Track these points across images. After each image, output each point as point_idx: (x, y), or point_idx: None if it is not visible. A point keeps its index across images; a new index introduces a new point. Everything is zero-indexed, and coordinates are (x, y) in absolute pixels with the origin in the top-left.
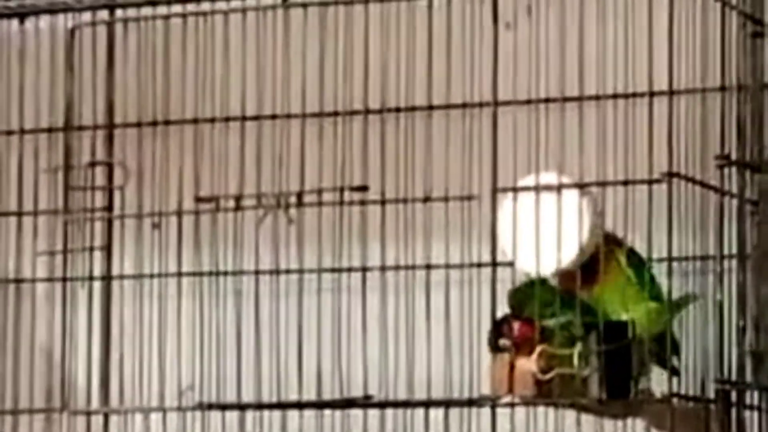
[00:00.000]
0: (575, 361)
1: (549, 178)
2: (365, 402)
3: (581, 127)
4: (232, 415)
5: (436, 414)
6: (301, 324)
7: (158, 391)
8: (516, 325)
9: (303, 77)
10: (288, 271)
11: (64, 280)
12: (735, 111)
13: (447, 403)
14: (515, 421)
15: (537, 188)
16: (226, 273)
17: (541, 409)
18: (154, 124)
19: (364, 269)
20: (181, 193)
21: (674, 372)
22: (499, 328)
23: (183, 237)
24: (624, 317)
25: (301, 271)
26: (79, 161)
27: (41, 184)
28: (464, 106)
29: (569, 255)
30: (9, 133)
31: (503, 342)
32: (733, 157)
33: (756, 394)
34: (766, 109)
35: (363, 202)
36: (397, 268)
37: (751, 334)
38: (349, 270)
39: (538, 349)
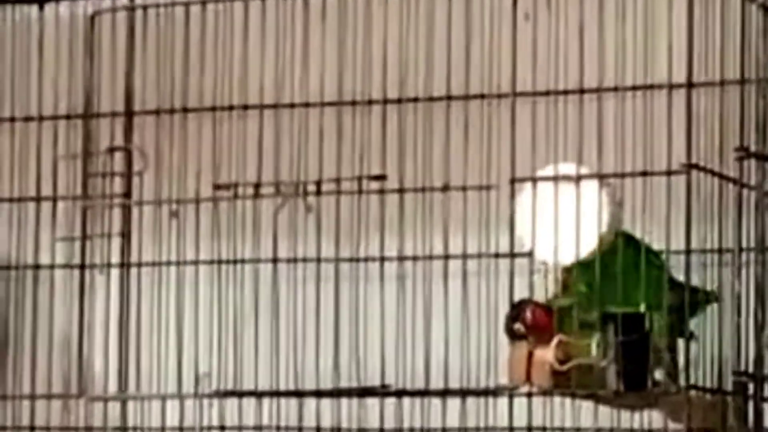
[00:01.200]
0: (593, 351)
1: (568, 168)
2: (382, 391)
3: (600, 119)
4: (249, 403)
5: (453, 403)
6: (318, 313)
7: (175, 378)
8: (531, 311)
9: (322, 66)
10: (306, 260)
11: (83, 266)
12: (754, 103)
13: (464, 393)
14: (532, 411)
15: (555, 179)
16: (243, 261)
17: (558, 399)
18: (173, 111)
19: (382, 258)
20: (199, 181)
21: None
22: (515, 312)
23: (201, 224)
24: (642, 308)
25: (318, 260)
26: (98, 147)
27: (60, 170)
28: (483, 96)
29: (587, 246)
30: (28, 119)
31: (518, 326)
32: (752, 149)
33: None
34: None
35: (381, 191)
36: (414, 258)
37: None
38: (367, 259)
39: (556, 339)
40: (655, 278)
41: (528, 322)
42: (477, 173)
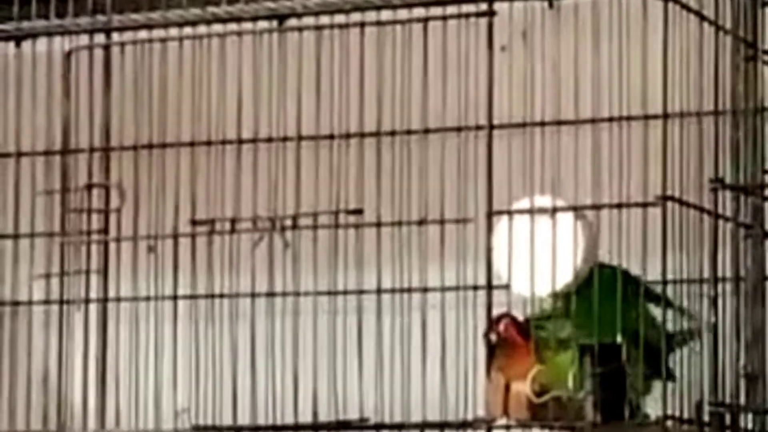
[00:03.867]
0: (570, 383)
1: (544, 201)
2: (361, 425)
3: (576, 151)
4: None
5: None
6: (296, 347)
7: (154, 414)
8: (505, 324)
9: (299, 100)
10: (284, 294)
11: (61, 302)
12: (729, 134)
13: (442, 426)
14: None
15: (532, 211)
16: (221, 296)
17: (536, 431)
18: (151, 146)
19: (360, 292)
20: (177, 216)
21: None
22: (492, 323)
23: (179, 259)
24: (618, 339)
25: (297, 294)
26: (76, 184)
27: (38, 207)
28: (459, 129)
29: (564, 278)
30: (6, 155)
31: (490, 336)
32: (728, 180)
33: (750, 417)
34: (760, 133)
35: (358, 225)
36: (392, 291)
37: (746, 357)
38: (345, 293)
39: (532, 372)
40: (633, 309)
41: (500, 334)
42: (454, 206)
